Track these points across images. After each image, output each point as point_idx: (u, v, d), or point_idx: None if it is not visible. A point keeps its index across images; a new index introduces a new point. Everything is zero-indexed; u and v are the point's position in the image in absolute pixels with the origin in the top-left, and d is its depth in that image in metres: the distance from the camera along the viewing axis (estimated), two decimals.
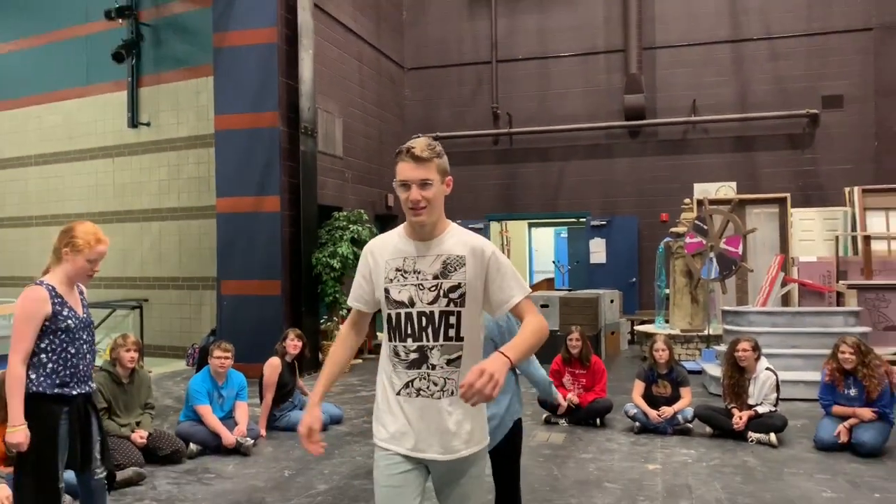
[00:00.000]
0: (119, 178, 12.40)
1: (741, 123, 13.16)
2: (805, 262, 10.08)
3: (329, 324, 10.53)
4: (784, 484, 5.05)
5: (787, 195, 11.45)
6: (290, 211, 10.03)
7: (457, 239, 2.41)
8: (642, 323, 11.88)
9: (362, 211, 10.93)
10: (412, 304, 2.37)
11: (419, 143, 2.34)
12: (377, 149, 13.34)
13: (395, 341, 2.40)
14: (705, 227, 10.05)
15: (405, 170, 2.32)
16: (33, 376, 3.40)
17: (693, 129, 13.40)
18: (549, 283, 17.29)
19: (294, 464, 5.69)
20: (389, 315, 2.41)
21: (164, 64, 11.96)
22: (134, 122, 12.12)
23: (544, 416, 6.91)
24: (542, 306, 10.96)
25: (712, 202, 10.82)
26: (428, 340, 2.36)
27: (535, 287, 16.41)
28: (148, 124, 12.02)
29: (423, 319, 2.37)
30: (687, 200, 11.48)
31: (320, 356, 10.03)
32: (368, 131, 13.08)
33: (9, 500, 4.44)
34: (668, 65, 13.53)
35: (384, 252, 2.45)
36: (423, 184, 2.31)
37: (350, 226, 10.42)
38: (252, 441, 6.08)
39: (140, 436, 5.64)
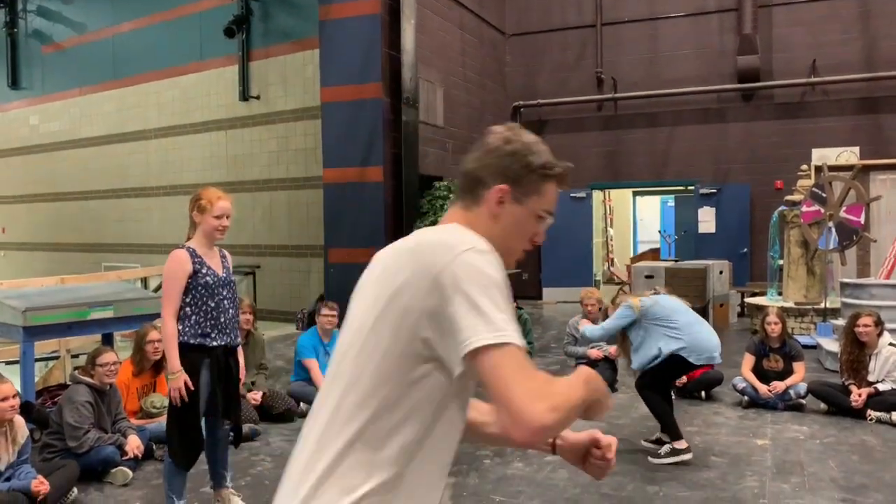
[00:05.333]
0: (231, 150, 12.91)
1: (866, 84, 12.28)
2: None
3: None
4: None
5: None
6: (393, 181, 10.19)
7: None
8: (753, 295, 11.41)
9: None
10: None
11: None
12: (478, 118, 13.29)
13: None
14: (824, 194, 9.50)
15: (554, 195, 1.59)
16: (179, 327, 3.73)
17: (812, 91, 12.63)
18: (654, 254, 16.86)
19: None
20: None
21: (273, 38, 12.30)
22: (245, 96, 12.56)
23: None
24: (647, 277, 10.74)
25: (832, 168, 10.21)
26: None
27: (639, 257, 16.06)
28: (258, 97, 12.43)
29: None
30: (804, 167, 10.87)
31: None
32: (469, 100, 13.04)
33: (139, 450, 4.81)
34: (786, 23, 12.76)
35: None
36: None
37: (450, 195, 10.48)
38: None
39: (254, 396, 5.95)
